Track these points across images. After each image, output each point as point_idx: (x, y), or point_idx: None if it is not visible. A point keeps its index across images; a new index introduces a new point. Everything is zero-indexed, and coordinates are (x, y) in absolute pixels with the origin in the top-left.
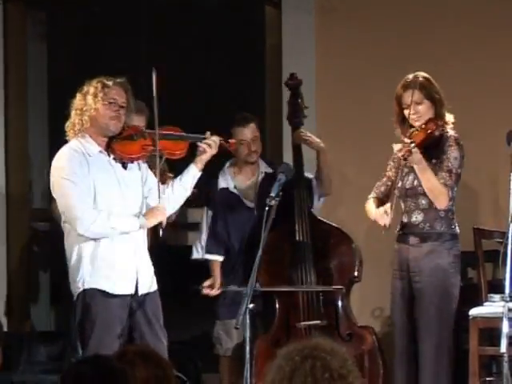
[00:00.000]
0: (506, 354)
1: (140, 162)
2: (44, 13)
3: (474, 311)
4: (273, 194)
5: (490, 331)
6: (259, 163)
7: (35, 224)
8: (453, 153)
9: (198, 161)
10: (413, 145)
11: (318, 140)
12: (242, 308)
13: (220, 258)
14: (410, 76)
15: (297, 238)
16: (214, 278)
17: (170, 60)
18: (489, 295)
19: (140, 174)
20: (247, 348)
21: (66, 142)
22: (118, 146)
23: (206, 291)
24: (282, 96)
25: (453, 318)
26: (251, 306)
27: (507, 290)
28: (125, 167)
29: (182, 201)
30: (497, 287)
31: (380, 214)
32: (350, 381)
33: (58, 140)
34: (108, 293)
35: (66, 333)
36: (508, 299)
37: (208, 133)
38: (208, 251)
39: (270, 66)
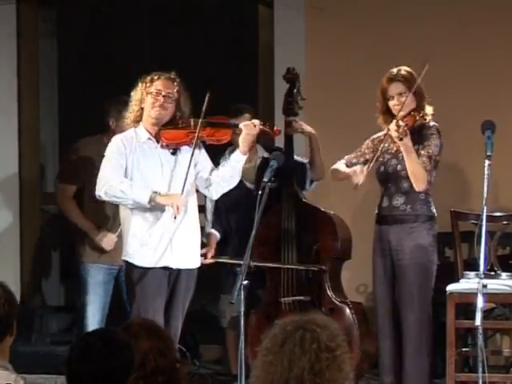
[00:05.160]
0: (480, 327)
1: (185, 146)
2: (54, 12)
3: (450, 287)
4: (265, 179)
5: (466, 306)
6: (257, 149)
7: (46, 207)
8: (434, 140)
9: (240, 144)
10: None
11: (309, 128)
12: (236, 284)
13: (217, 234)
14: (394, 70)
15: (282, 219)
16: (209, 248)
17: (171, 56)
18: (464, 272)
19: (187, 159)
20: (242, 321)
21: (74, 130)
22: (164, 133)
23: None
24: (273, 89)
25: (431, 292)
26: (245, 282)
27: (481, 268)
28: (174, 153)
29: (227, 182)
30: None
31: (354, 172)
32: (337, 354)
33: (67, 129)
34: (140, 266)
35: (74, 307)
36: (482, 276)
37: (252, 120)
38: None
39: (263, 61)
